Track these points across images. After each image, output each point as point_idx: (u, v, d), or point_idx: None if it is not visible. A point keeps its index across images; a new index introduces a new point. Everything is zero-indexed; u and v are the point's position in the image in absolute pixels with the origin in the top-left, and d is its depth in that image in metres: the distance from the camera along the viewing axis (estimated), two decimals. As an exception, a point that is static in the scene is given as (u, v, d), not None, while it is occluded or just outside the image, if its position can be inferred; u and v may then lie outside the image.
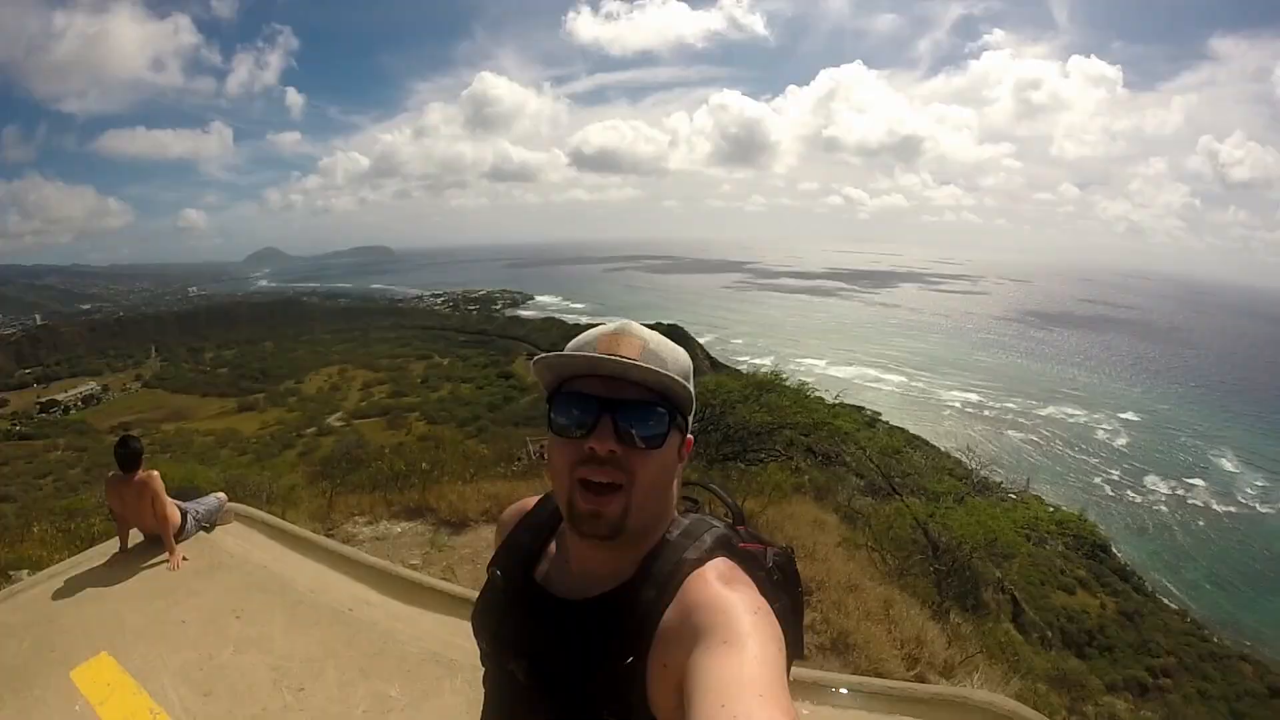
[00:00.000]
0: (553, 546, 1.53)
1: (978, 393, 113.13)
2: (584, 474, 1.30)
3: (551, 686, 1.34)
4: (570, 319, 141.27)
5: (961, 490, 19.18)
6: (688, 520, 1.43)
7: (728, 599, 1.23)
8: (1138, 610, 44.67)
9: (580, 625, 1.35)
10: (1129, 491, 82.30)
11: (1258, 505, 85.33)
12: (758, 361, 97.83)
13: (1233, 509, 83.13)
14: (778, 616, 1.24)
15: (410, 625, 5.32)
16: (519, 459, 19.56)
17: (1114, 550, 50.90)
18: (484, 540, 8.67)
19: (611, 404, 1.29)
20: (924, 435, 61.73)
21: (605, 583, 1.37)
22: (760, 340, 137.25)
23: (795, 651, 1.36)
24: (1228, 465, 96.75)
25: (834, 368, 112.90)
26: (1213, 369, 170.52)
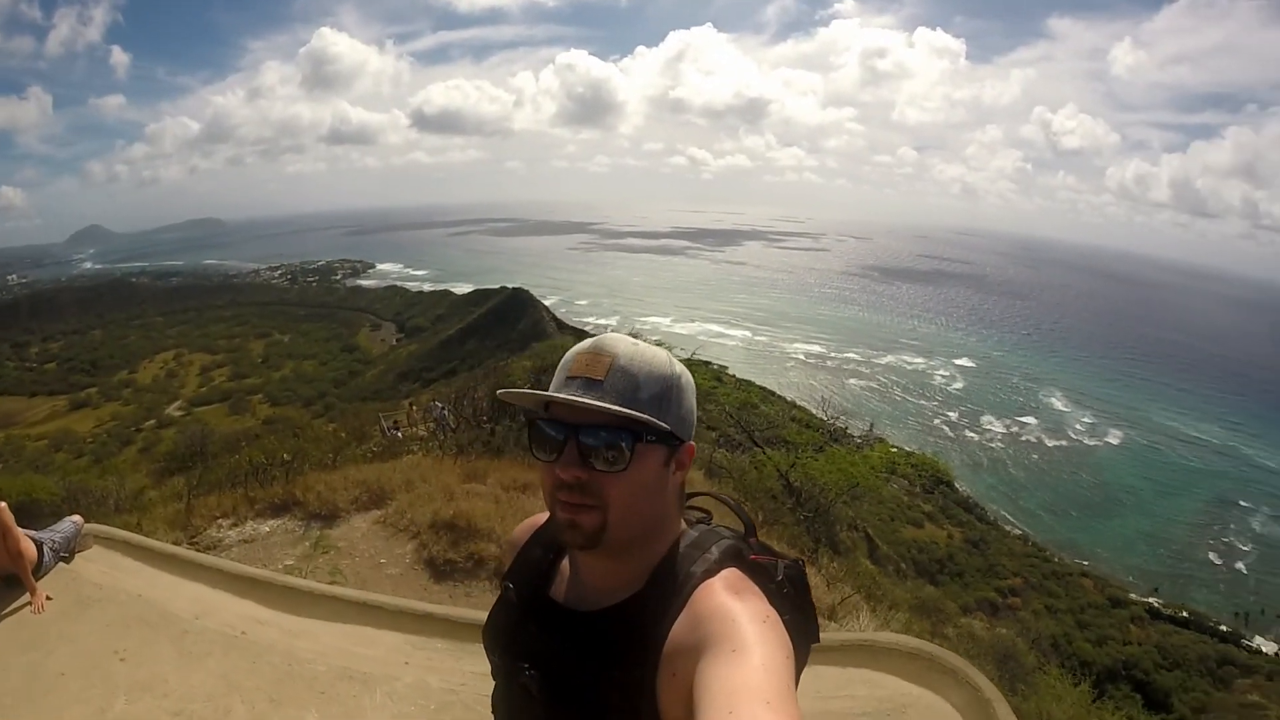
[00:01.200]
0: (564, 561, 1.53)
1: (820, 344, 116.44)
2: (561, 497, 1.32)
3: (563, 698, 1.36)
4: (412, 286, 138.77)
5: (819, 440, 19.66)
6: (697, 532, 1.44)
7: (736, 608, 1.23)
8: (982, 538, 47.37)
9: (591, 637, 1.36)
10: (967, 431, 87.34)
11: (1085, 439, 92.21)
12: (602, 322, 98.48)
13: (1063, 443, 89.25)
14: (788, 628, 1.24)
15: (311, 641, 5.01)
16: (374, 437, 19.13)
17: (956, 485, 53.21)
18: (359, 532, 8.31)
19: (575, 428, 1.31)
20: (770, 387, 63.14)
21: (615, 595, 1.38)
22: (605, 300, 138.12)
23: (803, 662, 1.33)
24: (1058, 404, 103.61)
25: (679, 325, 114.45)
26: (1043, 318, 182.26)
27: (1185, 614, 49.65)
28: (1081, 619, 43.03)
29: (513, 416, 14.06)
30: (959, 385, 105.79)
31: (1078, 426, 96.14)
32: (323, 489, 9.10)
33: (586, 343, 1.39)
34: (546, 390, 1.36)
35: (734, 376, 54.29)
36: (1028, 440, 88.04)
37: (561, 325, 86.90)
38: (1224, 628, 49.31)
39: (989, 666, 8.05)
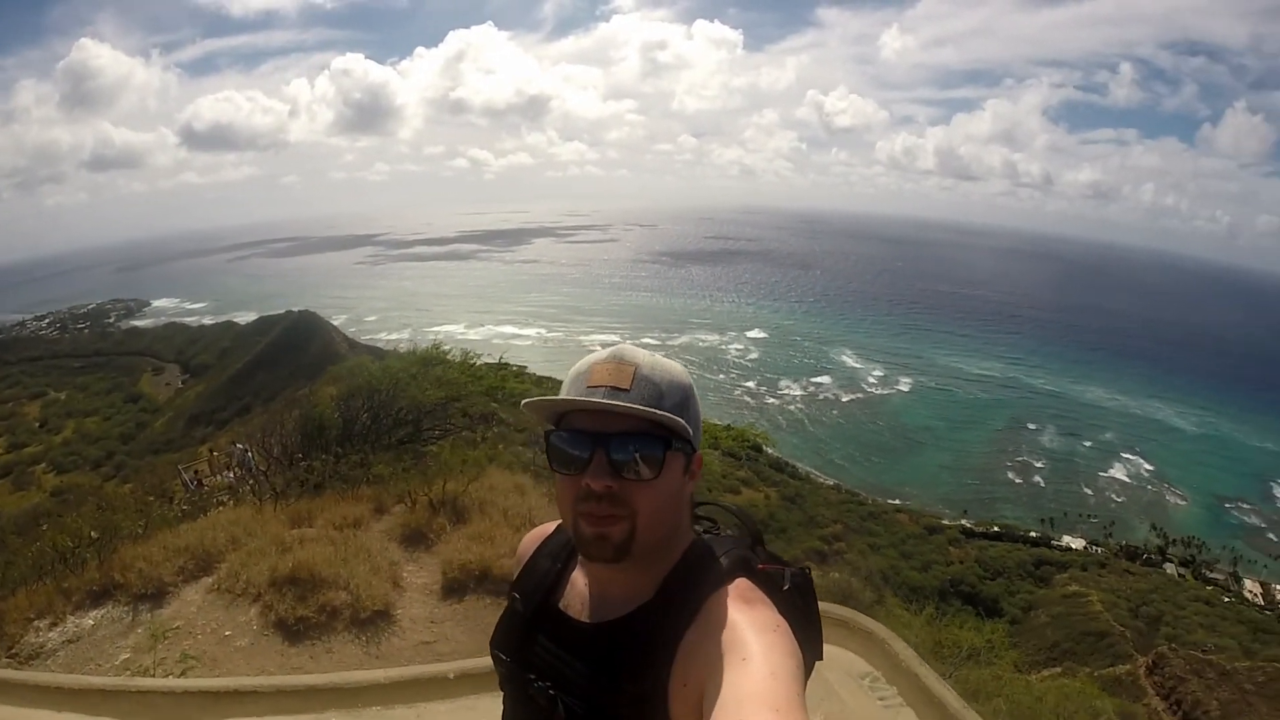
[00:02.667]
0: (572, 571, 1.55)
1: (616, 333, 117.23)
2: (585, 509, 1.32)
3: (574, 710, 1.36)
4: (192, 321, 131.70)
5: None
6: (705, 541, 1.47)
7: (746, 617, 1.25)
8: (798, 494, 49.50)
9: (602, 648, 1.37)
10: (768, 398, 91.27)
11: (879, 390, 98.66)
12: (393, 337, 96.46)
13: (859, 396, 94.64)
14: (796, 636, 1.26)
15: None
16: (179, 494, 18.16)
17: (765, 449, 55.17)
18: (194, 606, 7.62)
19: (604, 438, 1.30)
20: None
21: (625, 605, 1.39)
22: (394, 314, 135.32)
23: (810, 669, 1.37)
24: (849, 362, 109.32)
25: (472, 330, 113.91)
26: (828, 285, 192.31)
27: (996, 529, 55.35)
28: (904, 550, 46.17)
29: (327, 449, 13.69)
30: (754, 356, 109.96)
31: (870, 379, 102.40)
32: (143, 564, 8.13)
33: (602, 353, 1.40)
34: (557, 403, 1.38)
35: (533, 375, 54.30)
36: (825, 398, 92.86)
37: (354, 345, 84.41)
38: (1033, 534, 55.65)
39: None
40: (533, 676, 1.44)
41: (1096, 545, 56.45)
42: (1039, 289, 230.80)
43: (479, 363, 21.82)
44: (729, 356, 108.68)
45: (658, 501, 1.33)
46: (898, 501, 58.49)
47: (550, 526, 1.69)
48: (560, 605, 1.49)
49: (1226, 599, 50.61)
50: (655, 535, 1.35)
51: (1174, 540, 60.38)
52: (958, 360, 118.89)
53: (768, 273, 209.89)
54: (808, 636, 1.35)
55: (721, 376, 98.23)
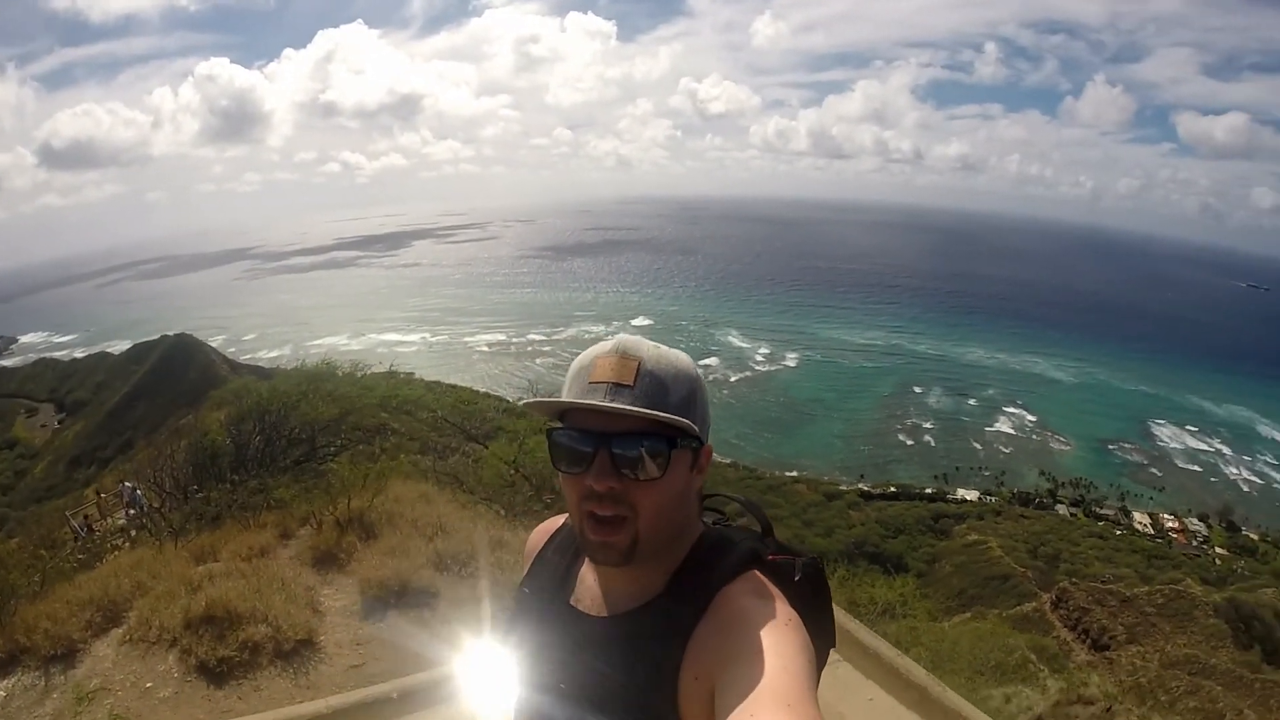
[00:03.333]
0: (581, 565, 1.49)
1: (502, 332, 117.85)
2: (589, 509, 1.28)
3: (586, 704, 1.33)
4: (63, 356, 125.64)
5: (539, 422, 19.70)
6: (715, 534, 1.42)
7: (759, 612, 1.23)
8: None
9: (613, 642, 1.34)
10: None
11: (766, 367, 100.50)
12: (274, 354, 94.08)
13: (747, 374, 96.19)
14: (807, 628, 1.24)
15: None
16: (69, 542, 17.08)
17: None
18: (108, 661, 6.88)
19: (607, 437, 1.25)
20: (463, 383, 62.98)
21: (635, 599, 1.36)
22: (273, 330, 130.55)
23: (823, 662, 1.35)
24: (735, 342, 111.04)
25: (355, 341, 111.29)
26: (710, 268, 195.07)
27: (893, 489, 57.58)
28: (806, 519, 47.16)
29: (221, 478, 13.06)
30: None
31: (757, 357, 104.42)
32: (47, 623, 7.25)
33: (604, 346, 1.33)
34: (561, 399, 1.31)
35: (422, 380, 53.54)
36: (715, 379, 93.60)
37: (234, 366, 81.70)
38: (929, 491, 58.24)
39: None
40: (545, 670, 1.42)
41: (990, 495, 59.20)
42: (915, 259, 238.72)
43: (368, 374, 21.28)
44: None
45: (662, 500, 1.29)
46: (795, 473, 59.72)
47: (558, 521, 1.63)
48: (571, 600, 1.46)
49: (1119, 532, 54.62)
50: (661, 534, 1.32)
51: (1063, 483, 64.28)
52: (841, 332, 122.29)
53: (650, 261, 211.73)
54: (820, 627, 1.35)
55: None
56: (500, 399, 46.70)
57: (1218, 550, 55.63)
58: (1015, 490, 60.95)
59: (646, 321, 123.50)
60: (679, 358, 1.34)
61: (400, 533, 8.70)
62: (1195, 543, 56.43)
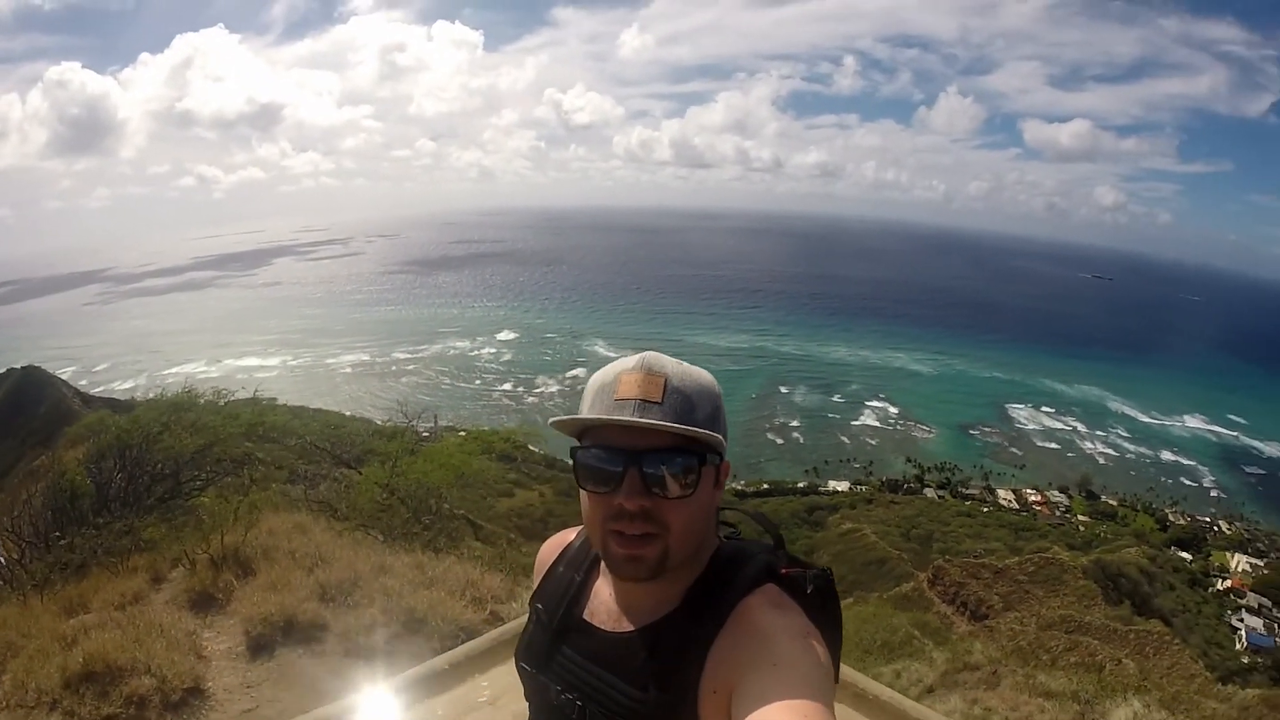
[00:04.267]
0: (595, 580, 1.49)
1: (366, 351, 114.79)
2: (617, 528, 1.27)
3: (602, 719, 1.33)
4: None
5: (410, 443, 19.43)
6: (730, 547, 1.42)
7: (778, 625, 1.23)
8: (572, 487, 49.85)
9: (629, 657, 1.33)
10: (527, 396, 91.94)
11: None
12: (128, 385, 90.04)
13: None
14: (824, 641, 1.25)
15: None
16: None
17: (531, 447, 55.59)
18: None
19: (636, 455, 1.24)
20: (327, 407, 61.77)
21: (651, 613, 1.35)
22: (127, 359, 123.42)
23: (837, 673, 1.32)
24: (602, 350, 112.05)
25: (213, 367, 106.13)
26: (575, 279, 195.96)
27: (766, 485, 59.83)
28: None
29: (84, 521, 12.38)
30: (508, 357, 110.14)
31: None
32: None
33: (627, 362, 1.32)
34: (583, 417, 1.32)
35: (286, 405, 51.97)
36: (583, 389, 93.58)
37: (88, 400, 77.33)
38: (801, 485, 60.35)
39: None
40: (559, 688, 1.41)
41: (861, 485, 61.83)
42: (777, 264, 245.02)
43: (231, 401, 20.60)
44: (482, 362, 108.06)
45: (692, 516, 1.28)
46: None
47: (570, 534, 1.64)
48: (585, 615, 1.46)
49: (985, 510, 58.20)
50: (688, 550, 1.31)
51: (929, 468, 67.44)
52: (708, 337, 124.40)
53: (515, 273, 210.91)
54: (832, 640, 1.31)
55: (478, 382, 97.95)
56: (368, 421, 45.96)
57: (1080, 518, 59.94)
58: (884, 478, 63.54)
59: (513, 335, 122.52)
60: (701, 374, 1.32)
61: (279, 566, 8.18)
62: (1058, 513, 60.51)
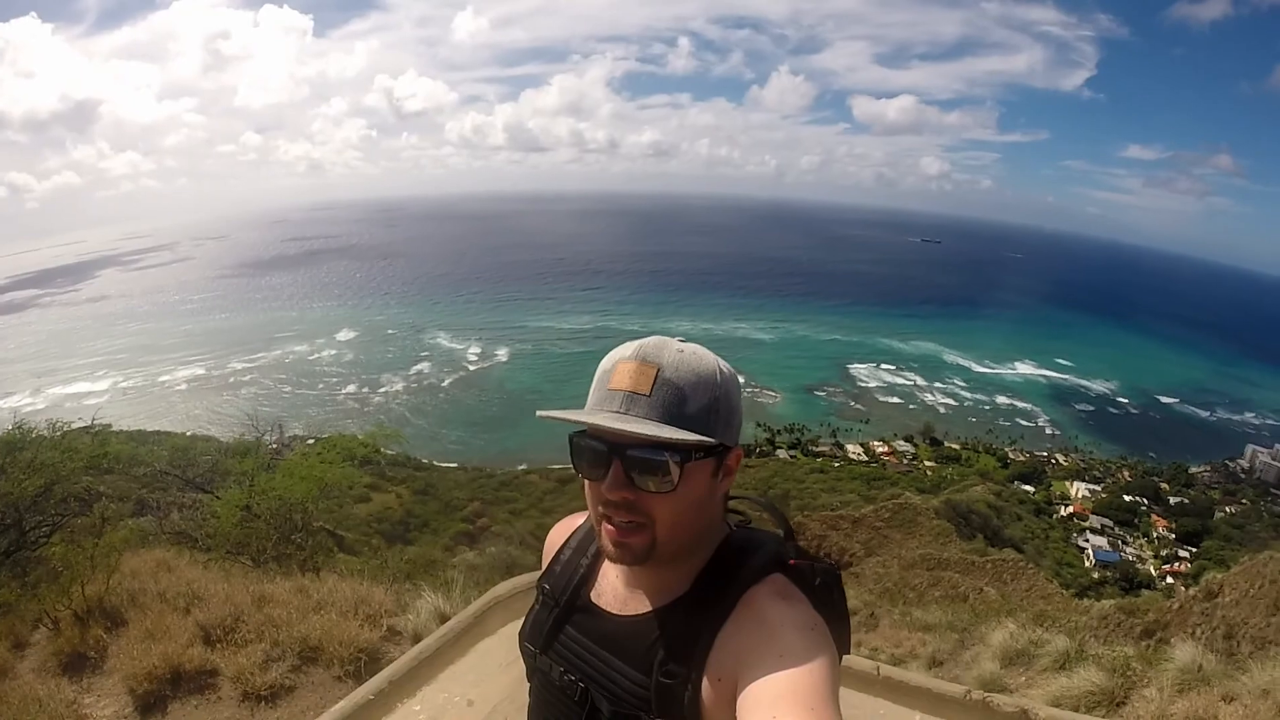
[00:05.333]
0: (604, 561, 1.50)
1: (200, 364, 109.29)
2: (606, 513, 1.28)
3: (604, 703, 1.34)
4: None
5: (264, 458, 19.13)
6: (741, 536, 1.43)
7: (784, 615, 1.24)
8: (429, 484, 50.25)
9: (635, 641, 1.35)
10: (372, 396, 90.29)
11: (479, 365, 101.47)
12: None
13: (460, 375, 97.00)
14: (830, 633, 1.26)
15: None
16: None
17: (382, 449, 55.17)
18: None
19: (620, 448, 1.24)
20: (166, 428, 59.29)
21: (658, 598, 1.37)
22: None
23: (840, 667, 1.33)
24: (445, 343, 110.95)
25: (38, 398, 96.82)
26: (413, 271, 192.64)
27: None
28: (544, 507, 48.02)
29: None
30: (349, 358, 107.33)
31: (470, 356, 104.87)
32: None
33: (628, 348, 1.33)
34: (587, 402, 1.34)
35: (126, 431, 49.46)
36: (429, 384, 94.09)
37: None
38: None
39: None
40: (562, 669, 1.43)
41: None
42: (616, 243, 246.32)
43: (68, 432, 19.69)
44: (323, 365, 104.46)
45: (679, 509, 1.28)
46: (524, 465, 60.16)
47: (579, 517, 1.66)
48: (591, 597, 1.48)
49: (837, 464, 61.33)
50: (680, 540, 1.31)
51: (779, 430, 70.34)
52: (551, 321, 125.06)
53: (351, 269, 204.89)
54: (838, 632, 1.32)
55: (321, 386, 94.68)
56: (213, 439, 44.29)
57: (927, 464, 64.29)
58: (736, 444, 65.17)
59: (353, 334, 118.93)
60: (701, 362, 1.31)
61: (151, 612, 7.56)
62: (906, 461, 64.57)
